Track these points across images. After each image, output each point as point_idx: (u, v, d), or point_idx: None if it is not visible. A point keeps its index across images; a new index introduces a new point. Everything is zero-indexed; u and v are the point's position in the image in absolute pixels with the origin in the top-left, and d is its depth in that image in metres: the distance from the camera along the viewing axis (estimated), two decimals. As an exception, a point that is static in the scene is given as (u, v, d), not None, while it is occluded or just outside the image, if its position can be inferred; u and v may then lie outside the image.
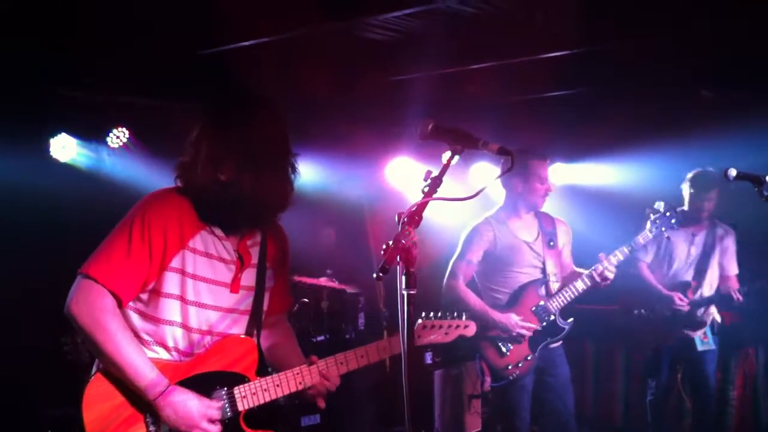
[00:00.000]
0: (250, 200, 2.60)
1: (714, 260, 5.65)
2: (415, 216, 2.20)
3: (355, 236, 7.49)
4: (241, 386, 2.73)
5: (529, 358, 4.78)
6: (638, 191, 6.94)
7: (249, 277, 2.80)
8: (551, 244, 4.96)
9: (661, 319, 5.59)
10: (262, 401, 2.75)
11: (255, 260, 2.81)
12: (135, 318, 2.65)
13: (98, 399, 2.57)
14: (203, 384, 2.66)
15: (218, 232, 2.71)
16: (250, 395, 2.72)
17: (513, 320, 4.72)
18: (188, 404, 2.58)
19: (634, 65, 5.92)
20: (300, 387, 2.81)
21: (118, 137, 6.13)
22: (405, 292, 2.16)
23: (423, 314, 3.20)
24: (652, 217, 5.09)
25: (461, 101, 6.77)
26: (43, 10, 4.92)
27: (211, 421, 2.62)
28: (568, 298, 4.83)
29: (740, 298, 5.45)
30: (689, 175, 5.62)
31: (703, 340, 5.64)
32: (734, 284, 5.62)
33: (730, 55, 5.63)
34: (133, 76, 5.82)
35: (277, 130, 2.69)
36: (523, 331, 4.73)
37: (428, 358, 6.98)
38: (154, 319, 2.64)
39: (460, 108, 6.73)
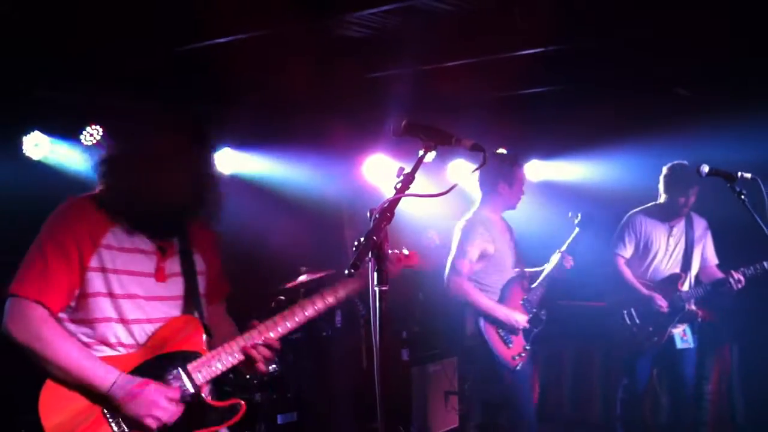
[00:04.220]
0: (148, 209, 2.66)
1: (697, 251, 5.64)
2: (387, 212, 2.21)
3: (330, 233, 7.47)
4: (194, 362, 2.74)
5: (527, 348, 5.08)
6: (614, 188, 7.00)
7: (174, 265, 2.82)
8: (516, 242, 5.32)
9: (655, 314, 5.48)
10: (218, 372, 2.77)
11: (177, 248, 2.82)
12: (72, 327, 2.66)
13: (55, 405, 2.56)
14: (156, 368, 2.68)
15: (130, 226, 2.72)
16: (205, 368, 2.75)
17: (520, 318, 5.01)
18: (144, 388, 2.59)
19: (610, 63, 5.95)
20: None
21: (91, 135, 6.07)
22: (377, 289, 2.16)
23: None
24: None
25: (439, 98, 6.77)
26: (17, 8, 4.87)
27: (171, 400, 2.63)
28: (542, 292, 5.18)
29: (741, 280, 5.28)
30: (666, 170, 5.59)
31: (682, 338, 5.57)
32: (717, 273, 5.56)
33: (707, 54, 5.67)
34: (107, 74, 5.76)
35: (166, 141, 2.69)
36: (525, 325, 5.03)
37: (405, 354, 7.00)
38: (89, 321, 2.65)
39: (437, 105, 6.74)
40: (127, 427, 2.59)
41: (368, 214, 2.23)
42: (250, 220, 6.65)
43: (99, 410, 2.59)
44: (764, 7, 4.84)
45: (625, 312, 5.59)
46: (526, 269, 5.29)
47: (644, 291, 5.53)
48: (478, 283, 5.05)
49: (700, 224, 5.70)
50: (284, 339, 6.04)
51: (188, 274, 2.83)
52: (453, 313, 7.44)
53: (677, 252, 5.63)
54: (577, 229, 5.40)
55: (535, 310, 5.13)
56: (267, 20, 5.18)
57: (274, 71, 5.98)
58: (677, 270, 5.61)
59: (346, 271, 2.07)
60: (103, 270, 2.64)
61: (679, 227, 5.64)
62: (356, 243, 2.14)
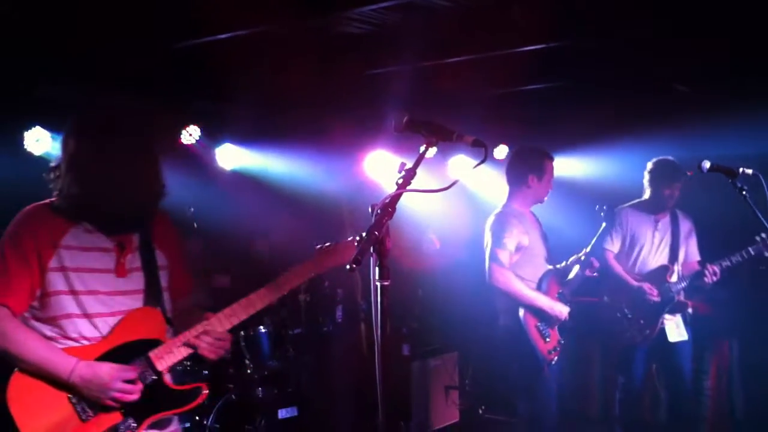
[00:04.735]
0: (105, 211, 2.77)
1: (682, 245, 5.69)
2: (388, 208, 2.22)
3: (333, 229, 7.49)
4: (155, 349, 2.84)
5: (562, 342, 5.04)
6: (614, 184, 7.01)
7: (134, 260, 2.90)
8: (546, 235, 5.26)
9: (646, 306, 5.50)
10: (179, 358, 2.87)
11: (137, 244, 2.91)
12: (36, 324, 2.76)
13: (22, 394, 2.68)
14: (119, 356, 2.78)
15: (89, 226, 2.82)
16: (166, 355, 2.85)
17: (563, 309, 4.97)
18: (99, 371, 2.70)
19: (610, 60, 5.96)
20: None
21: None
22: (378, 284, 2.17)
23: (318, 245, 3.22)
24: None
25: (439, 95, 6.78)
26: (19, 5, 4.88)
27: (128, 382, 2.73)
28: (576, 284, 5.15)
29: (716, 272, 5.33)
30: (650, 165, 5.67)
31: (675, 331, 5.57)
32: (696, 268, 5.60)
33: (706, 51, 5.68)
34: (108, 71, 5.78)
35: (120, 146, 2.78)
36: (566, 317, 4.99)
37: (406, 349, 7.01)
38: (53, 319, 2.75)
39: (437, 102, 6.75)
40: (91, 411, 2.71)
41: (370, 210, 2.24)
42: (250, 216, 6.68)
43: (65, 397, 2.71)
44: (763, 5, 4.85)
45: (617, 314, 5.61)
46: (557, 266, 5.25)
47: (634, 283, 5.56)
48: (519, 273, 5.00)
49: (685, 221, 5.76)
50: (286, 334, 6.09)
51: (149, 268, 2.92)
52: (457, 308, 7.50)
53: (663, 245, 5.69)
54: (604, 224, 5.30)
55: (569, 302, 5.08)
56: (267, 17, 5.19)
57: (275, 68, 5.99)
58: (665, 262, 5.65)
59: (348, 266, 2.09)
60: (64, 269, 2.75)
61: (665, 222, 5.71)
62: (358, 239, 2.16)
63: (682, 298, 5.56)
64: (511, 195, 5.20)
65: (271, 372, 5.83)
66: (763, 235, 5.25)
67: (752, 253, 5.30)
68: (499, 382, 6.92)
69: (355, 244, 2.89)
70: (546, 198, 5.23)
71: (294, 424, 5.72)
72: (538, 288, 5.03)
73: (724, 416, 6.69)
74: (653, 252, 5.68)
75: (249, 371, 5.69)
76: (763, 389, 6.41)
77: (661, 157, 5.66)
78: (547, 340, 4.95)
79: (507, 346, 5.06)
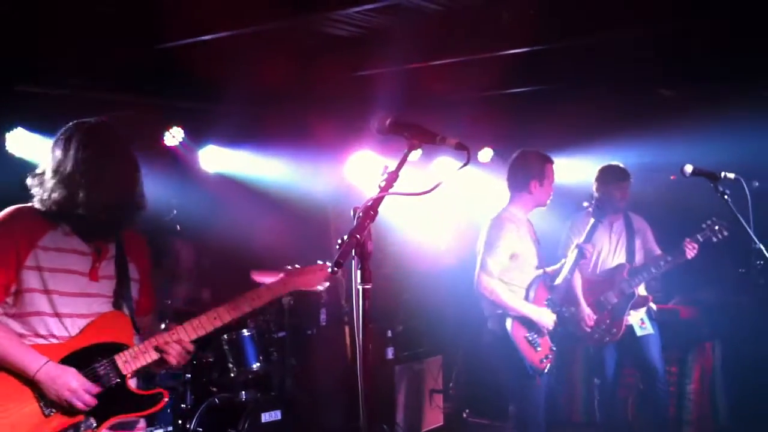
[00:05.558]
0: (84, 216, 2.85)
1: (639, 243, 5.87)
2: (370, 211, 2.21)
3: (316, 232, 7.47)
4: (121, 353, 2.93)
5: (553, 349, 5.00)
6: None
7: (108, 268, 3.00)
8: (538, 240, 5.24)
9: (608, 308, 5.63)
10: (144, 363, 2.96)
11: (113, 253, 3.01)
12: (8, 322, 2.83)
13: None
14: (85, 357, 2.87)
15: (67, 229, 2.92)
16: (132, 359, 2.93)
17: (549, 318, 4.93)
18: (65, 374, 2.78)
19: (596, 63, 5.98)
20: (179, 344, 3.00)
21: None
22: (360, 287, 2.16)
23: (289, 267, 3.30)
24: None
25: (425, 97, 6.78)
26: (18, 5, 4.85)
27: (89, 389, 2.81)
28: (565, 289, 5.14)
29: (695, 247, 5.50)
30: (598, 172, 5.85)
31: (641, 326, 5.74)
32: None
33: (691, 54, 5.72)
34: (91, 70, 5.74)
35: (102, 155, 2.90)
36: (552, 325, 4.95)
37: (390, 353, 6.99)
38: (25, 315, 2.83)
39: (423, 104, 6.74)
40: (54, 408, 2.79)
41: (352, 213, 2.23)
42: (235, 218, 6.64)
43: (30, 392, 2.78)
44: (749, 7, 4.88)
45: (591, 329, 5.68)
46: (547, 269, 5.20)
47: (584, 306, 5.65)
48: (503, 282, 4.94)
49: (638, 221, 5.96)
50: (269, 337, 6.07)
51: (121, 277, 3.02)
52: (442, 312, 7.49)
53: (620, 246, 5.87)
54: (592, 219, 5.31)
55: (558, 308, 5.04)
56: (254, 18, 5.17)
57: (262, 69, 5.97)
58: (623, 262, 5.81)
59: (330, 269, 2.08)
60: (39, 268, 2.83)
61: (619, 224, 5.90)
62: (339, 241, 2.15)
63: (643, 292, 5.73)
64: (512, 199, 5.14)
65: (255, 375, 5.80)
66: (709, 221, 5.48)
67: (701, 239, 5.50)
68: (484, 386, 6.93)
69: (323, 262, 3.27)
70: (548, 202, 5.19)
71: (278, 428, 5.69)
72: (527, 295, 4.98)
73: (707, 419, 6.71)
74: (611, 254, 5.86)
75: (232, 375, 5.66)
76: (746, 392, 6.44)
77: (605, 164, 5.86)
78: (538, 349, 4.90)
79: (494, 352, 5.02)
